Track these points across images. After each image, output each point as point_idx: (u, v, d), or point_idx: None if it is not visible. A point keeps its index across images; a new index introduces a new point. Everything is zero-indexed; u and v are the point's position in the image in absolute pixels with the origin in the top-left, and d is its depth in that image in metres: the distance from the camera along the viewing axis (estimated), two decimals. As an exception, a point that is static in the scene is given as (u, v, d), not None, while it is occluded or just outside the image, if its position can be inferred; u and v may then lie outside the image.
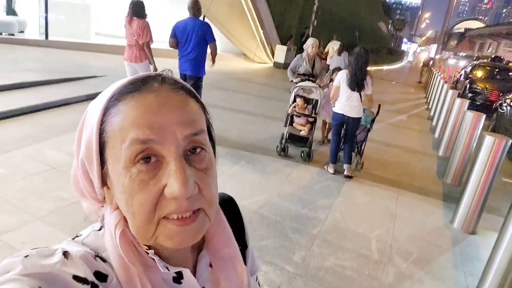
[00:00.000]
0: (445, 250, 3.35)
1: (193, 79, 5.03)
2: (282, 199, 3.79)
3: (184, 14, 4.97)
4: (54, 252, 0.47)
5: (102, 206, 0.56)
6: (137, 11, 4.98)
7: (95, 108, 0.51)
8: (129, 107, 0.48)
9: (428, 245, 3.38)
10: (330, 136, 5.38)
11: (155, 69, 5.14)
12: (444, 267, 3.07)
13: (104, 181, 0.52)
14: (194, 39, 4.90)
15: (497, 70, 13.88)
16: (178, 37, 4.96)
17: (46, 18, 9.78)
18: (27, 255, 0.45)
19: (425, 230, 3.65)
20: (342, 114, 4.43)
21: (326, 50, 11.41)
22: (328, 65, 8.79)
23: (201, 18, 5.15)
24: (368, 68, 4.43)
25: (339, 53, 8.42)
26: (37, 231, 2.68)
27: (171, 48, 5.10)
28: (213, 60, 5.30)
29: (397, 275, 2.87)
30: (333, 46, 10.69)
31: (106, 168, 0.50)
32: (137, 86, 0.50)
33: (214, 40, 5.07)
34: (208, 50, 5.15)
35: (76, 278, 0.45)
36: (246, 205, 3.52)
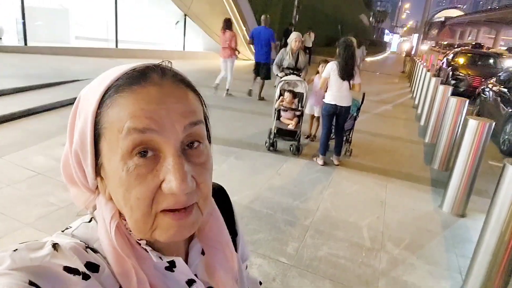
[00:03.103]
0: (436, 234, 3.39)
1: (265, 65, 8.00)
2: (273, 193, 3.79)
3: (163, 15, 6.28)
4: (43, 245, 0.46)
5: (94, 196, 0.55)
6: (228, 26, 7.92)
7: (90, 97, 0.49)
8: (127, 99, 0.47)
9: (419, 230, 3.42)
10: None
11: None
12: (436, 251, 3.12)
13: (97, 172, 0.51)
14: (264, 40, 7.91)
15: (478, 56, 14.11)
16: (255, 38, 8.03)
17: (23, 24, 9.60)
18: (16, 249, 0.43)
19: (415, 216, 3.69)
20: (335, 104, 4.45)
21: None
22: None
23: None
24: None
25: (359, 46, 10.64)
26: (26, 237, 2.63)
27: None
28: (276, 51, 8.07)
29: (390, 261, 2.90)
30: None
31: (101, 159, 0.49)
32: (136, 79, 0.48)
33: (275, 41, 8.19)
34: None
35: (67, 269, 0.44)
36: (237, 200, 3.52)
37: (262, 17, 8.14)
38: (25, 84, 6.22)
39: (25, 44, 9.70)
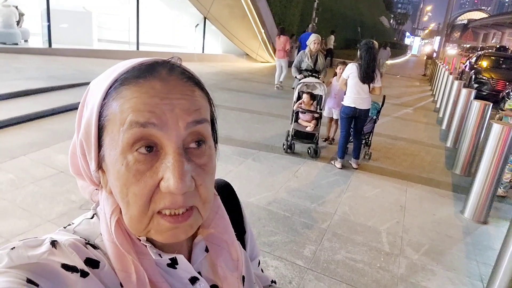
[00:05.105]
0: (457, 240, 3.32)
1: None
2: (290, 195, 3.78)
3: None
4: (42, 242, 0.46)
5: (97, 189, 0.55)
6: (282, 32, 10.08)
7: (98, 88, 0.50)
8: (131, 92, 0.46)
9: (439, 236, 3.35)
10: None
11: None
12: (456, 257, 3.04)
13: (100, 165, 0.51)
14: None
15: (502, 59, 13.77)
16: (302, 42, 9.31)
17: (48, 26, 9.85)
18: (14, 247, 0.43)
19: (436, 221, 3.62)
20: (354, 107, 4.40)
21: None
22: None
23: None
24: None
25: (385, 47, 13.64)
26: (48, 233, 2.69)
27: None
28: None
29: (409, 266, 2.85)
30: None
31: (103, 151, 0.49)
32: (143, 73, 0.48)
33: None
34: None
35: (65, 266, 0.44)
36: (254, 202, 3.52)
37: (310, 25, 10.76)
38: (49, 84, 6.38)
39: (50, 46, 9.95)
